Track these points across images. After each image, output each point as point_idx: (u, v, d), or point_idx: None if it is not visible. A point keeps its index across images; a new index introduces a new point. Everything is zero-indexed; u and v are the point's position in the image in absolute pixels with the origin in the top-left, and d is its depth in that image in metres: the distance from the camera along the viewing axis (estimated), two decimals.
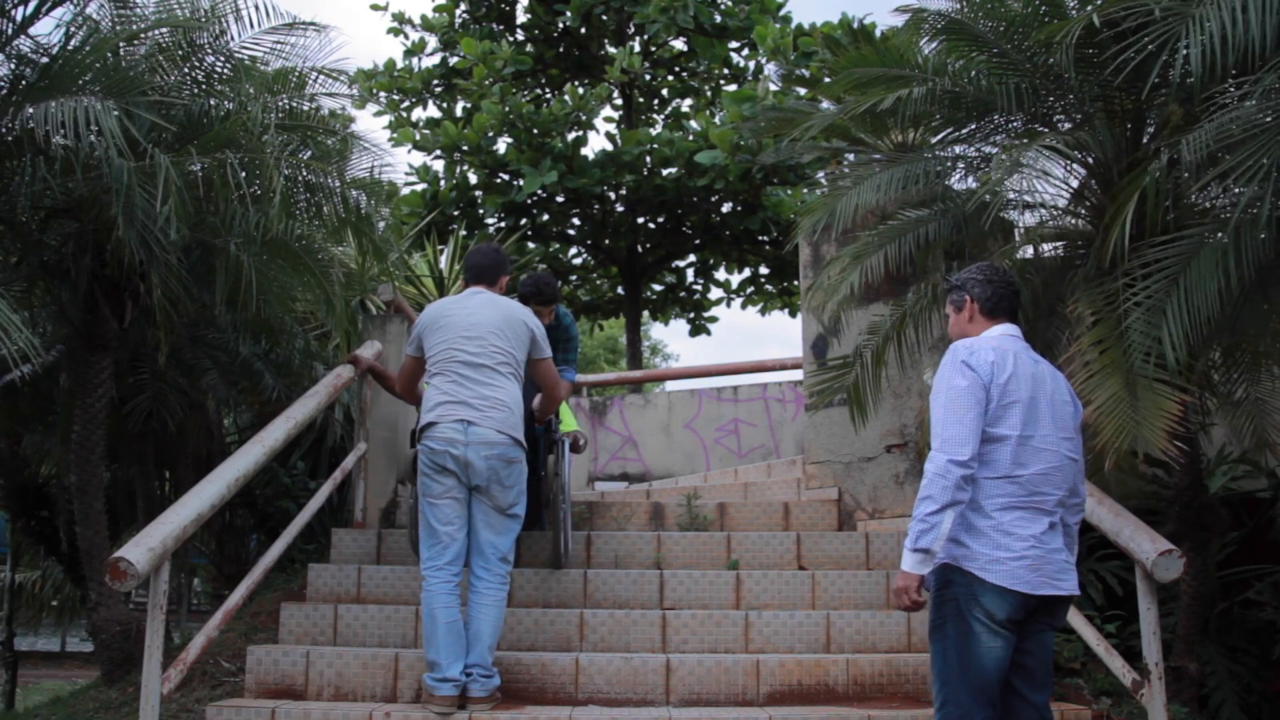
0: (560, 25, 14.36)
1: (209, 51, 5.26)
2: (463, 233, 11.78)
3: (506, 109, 12.02)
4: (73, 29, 4.80)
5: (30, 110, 4.35)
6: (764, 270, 14.50)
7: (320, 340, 7.94)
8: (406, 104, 14.04)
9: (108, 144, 4.23)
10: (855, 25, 10.79)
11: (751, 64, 14.19)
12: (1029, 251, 4.84)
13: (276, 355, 7.15)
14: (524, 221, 13.10)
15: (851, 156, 5.77)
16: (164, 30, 5.08)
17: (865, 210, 4.75)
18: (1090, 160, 4.48)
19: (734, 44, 14.17)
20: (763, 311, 15.27)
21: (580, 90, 12.88)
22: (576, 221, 13.90)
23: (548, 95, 14.59)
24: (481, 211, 12.91)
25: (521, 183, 12.12)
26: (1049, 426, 2.88)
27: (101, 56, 4.73)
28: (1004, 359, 2.87)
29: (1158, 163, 3.64)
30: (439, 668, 3.71)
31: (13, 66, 4.74)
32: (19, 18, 4.71)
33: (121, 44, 4.94)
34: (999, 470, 2.80)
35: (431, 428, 3.89)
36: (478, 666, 3.76)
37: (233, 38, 5.30)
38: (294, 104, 5.48)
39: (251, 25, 5.28)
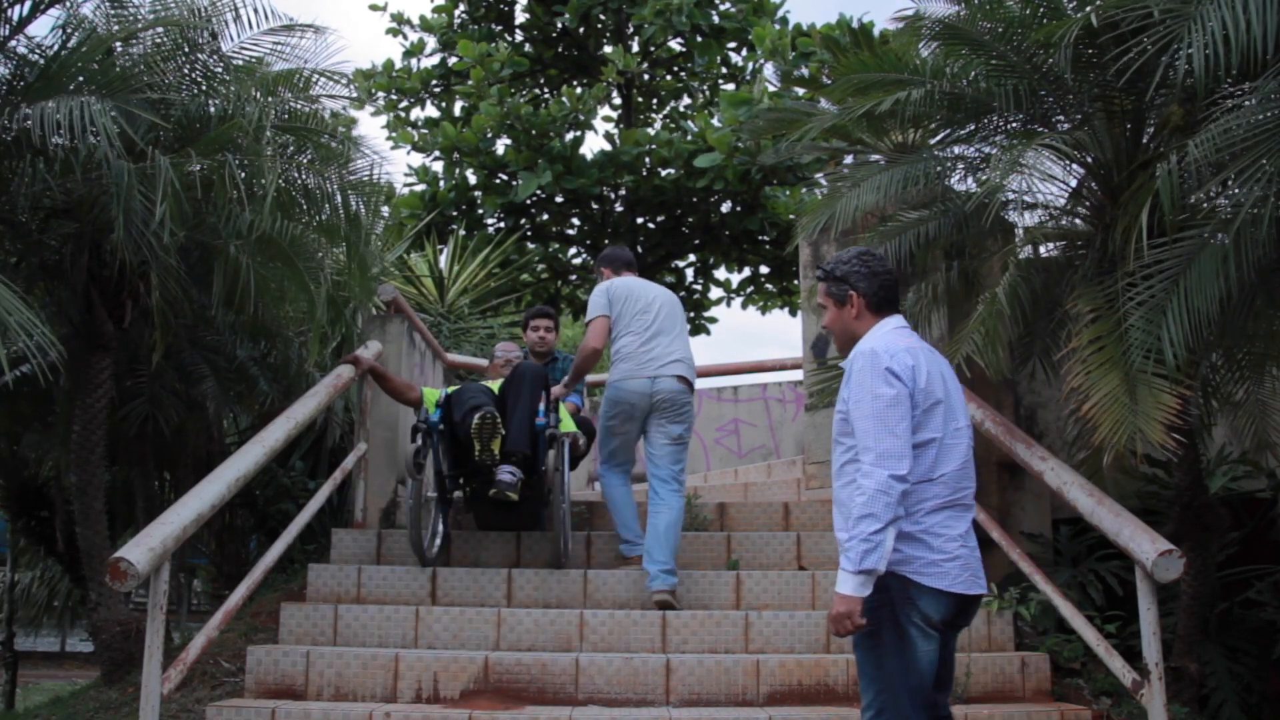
0: (559, 25, 14.35)
1: (206, 52, 5.26)
2: (462, 233, 11.78)
3: (505, 110, 12.00)
4: (69, 29, 4.79)
5: (27, 110, 4.34)
6: (764, 270, 14.48)
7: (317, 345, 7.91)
8: (405, 104, 14.03)
9: (104, 144, 4.22)
10: (854, 25, 10.79)
11: (750, 64, 14.17)
12: (1029, 251, 4.84)
13: (274, 359, 7.13)
14: (523, 222, 13.09)
15: (851, 158, 5.78)
16: (161, 31, 5.07)
17: (865, 211, 4.74)
18: (1089, 160, 4.48)
19: (732, 44, 14.15)
20: (763, 311, 15.24)
21: (578, 90, 12.87)
22: (576, 222, 13.89)
23: (546, 96, 14.57)
24: (481, 212, 12.90)
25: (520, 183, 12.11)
26: (960, 419, 2.82)
27: (97, 57, 4.72)
28: (918, 359, 2.77)
29: (1167, 164, 3.62)
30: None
31: (11, 67, 4.74)
32: (15, 18, 4.70)
33: (118, 44, 4.94)
34: (923, 474, 2.71)
35: (624, 379, 4.83)
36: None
37: (230, 39, 5.30)
38: (294, 105, 5.48)
39: (250, 26, 5.29)
